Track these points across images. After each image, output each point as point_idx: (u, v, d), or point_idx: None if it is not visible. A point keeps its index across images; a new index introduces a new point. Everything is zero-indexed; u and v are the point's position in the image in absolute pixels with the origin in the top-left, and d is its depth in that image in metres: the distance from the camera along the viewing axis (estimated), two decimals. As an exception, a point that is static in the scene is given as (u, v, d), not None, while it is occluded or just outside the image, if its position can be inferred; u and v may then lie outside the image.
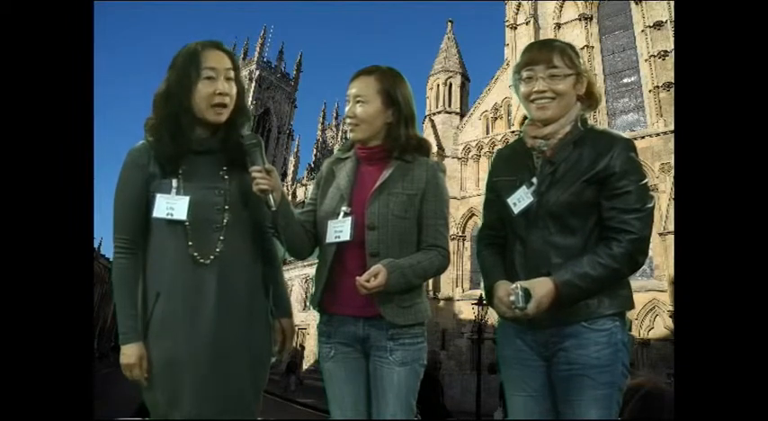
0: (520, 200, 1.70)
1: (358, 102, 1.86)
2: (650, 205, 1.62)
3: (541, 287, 1.55)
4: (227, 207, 1.73)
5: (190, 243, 1.68)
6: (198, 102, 1.72)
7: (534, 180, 1.69)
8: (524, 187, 1.70)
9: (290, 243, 1.86)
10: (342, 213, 1.81)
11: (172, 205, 1.69)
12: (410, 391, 1.76)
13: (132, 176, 1.74)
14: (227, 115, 1.77)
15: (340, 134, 61.45)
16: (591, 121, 1.78)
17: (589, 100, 1.77)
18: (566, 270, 1.57)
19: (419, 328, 1.81)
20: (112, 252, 1.74)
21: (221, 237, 1.71)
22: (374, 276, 1.67)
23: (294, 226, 1.83)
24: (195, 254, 1.68)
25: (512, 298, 1.56)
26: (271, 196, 1.71)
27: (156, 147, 1.73)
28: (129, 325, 1.68)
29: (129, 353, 1.65)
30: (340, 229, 1.80)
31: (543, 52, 1.70)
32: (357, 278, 1.67)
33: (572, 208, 1.63)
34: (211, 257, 1.69)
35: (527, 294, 1.55)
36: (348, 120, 1.89)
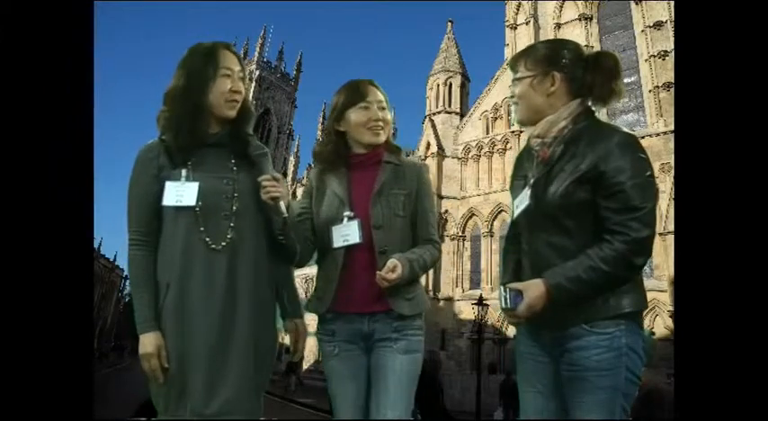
0: (522, 201, 1.70)
1: (382, 108, 1.98)
2: (649, 204, 1.52)
3: (534, 289, 1.54)
4: (235, 195, 1.77)
5: (201, 228, 1.71)
6: (214, 98, 1.78)
7: (532, 181, 1.69)
8: (526, 188, 1.70)
9: (295, 250, 1.90)
10: (346, 218, 1.89)
11: (181, 192, 1.72)
12: (411, 380, 1.82)
13: (143, 172, 1.77)
14: (237, 111, 1.84)
15: (340, 134, 61.17)
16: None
17: (600, 92, 1.67)
18: (557, 273, 1.54)
19: (419, 321, 1.91)
20: (127, 245, 1.76)
21: (231, 225, 1.74)
22: (392, 270, 1.76)
23: (298, 233, 1.88)
24: (207, 239, 1.70)
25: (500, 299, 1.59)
26: (281, 204, 1.75)
27: (173, 140, 1.77)
28: (145, 314, 1.68)
29: (147, 342, 1.65)
30: (347, 233, 1.88)
31: (515, 58, 1.76)
32: (378, 272, 1.77)
33: (566, 208, 1.58)
34: (223, 244, 1.72)
35: (518, 296, 1.55)
36: (375, 124, 1.96)
